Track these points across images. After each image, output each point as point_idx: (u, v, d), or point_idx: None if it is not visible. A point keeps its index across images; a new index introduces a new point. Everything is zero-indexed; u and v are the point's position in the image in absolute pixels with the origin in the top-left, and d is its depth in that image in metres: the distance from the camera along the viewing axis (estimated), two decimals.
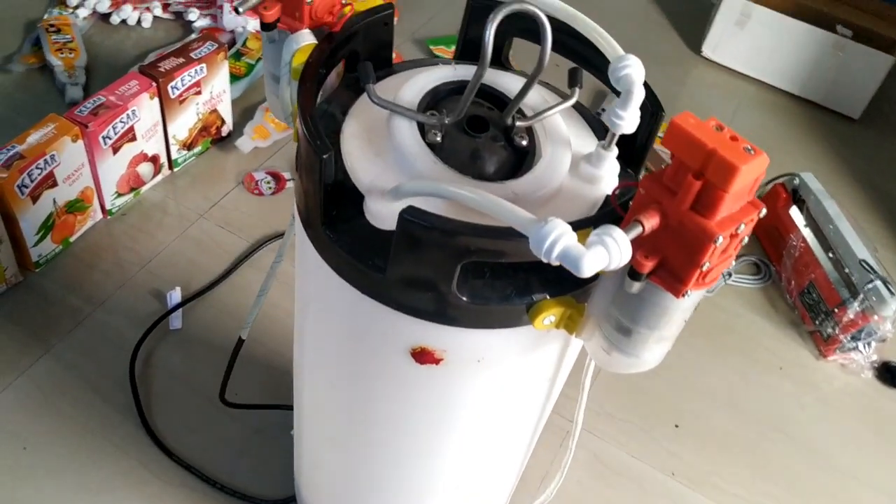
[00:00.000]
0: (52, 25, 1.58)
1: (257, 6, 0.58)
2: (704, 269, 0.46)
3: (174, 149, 1.39)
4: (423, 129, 0.58)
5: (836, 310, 1.32)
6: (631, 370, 0.54)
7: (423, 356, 0.58)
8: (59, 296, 1.23)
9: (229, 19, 1.64)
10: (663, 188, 0.45)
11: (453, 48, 1.67)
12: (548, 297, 0.54)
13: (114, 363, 1.15)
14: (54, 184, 1.19)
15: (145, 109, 1.28)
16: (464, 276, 0.53)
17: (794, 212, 1.45)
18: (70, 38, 1.56)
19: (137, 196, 1.37)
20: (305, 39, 0.59)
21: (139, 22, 1.66)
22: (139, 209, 1.36)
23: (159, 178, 1.40)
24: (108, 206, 1.32)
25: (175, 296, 1.24)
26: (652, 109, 0.60)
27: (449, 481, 0.75)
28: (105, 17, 1.66)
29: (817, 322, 1.36)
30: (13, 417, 1.09)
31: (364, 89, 0.58)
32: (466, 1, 0.69)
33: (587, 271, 0.43)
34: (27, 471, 1.04)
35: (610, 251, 0.43)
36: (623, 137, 0.58)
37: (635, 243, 0.46)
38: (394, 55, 0.67)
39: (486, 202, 0.47)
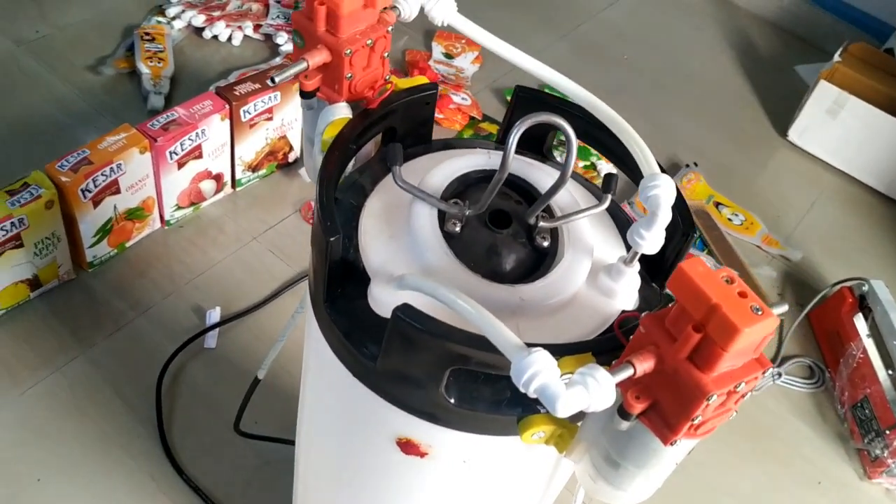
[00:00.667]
0: (147, 34, 1.64)
1: (298, 75, 0.58)
2: (696, 422, 0.43)
3: (239, 169, 1.41)
4: (443, 216, 0.57)
5: (888, 431, 1.25)
6: (615, 502, 0.51)
7: (408, 447, 0.57)
8: (106, 298, 1.26)
9: None
10: (663, 331, 0.43)
11: None
12: (540, 411, 0.52)
13: (144, 373, 1.17)
14: (117, 191, 1.23)
15: (215, 129, 1.31)
16: (455, 376, 0.51)
17: (859, 319, 1.38)
18: (162, 47, 1.62)
19: (197, 210, 1.40)
20: (341, 113, 0.59)
21: (230, 39, 1.71)
22: (196, 223, 1.39)
23: (221, 195, 1.43)
24: (166, 217, 1.36)
25: (214, 315, 1.26)
26: (683, 230, 0.57)
27: None
28: (198, 30, 1.72)
29: (867, 440, 1.28)
30: (39, 413, 1.12)
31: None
32: (514, 89, 0.68)
33: (562, 412, 0.41)
34: (40, 467, 1.07)
35: (591, 394, 0.41)
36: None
37: (628, 382, 0.44)
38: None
39: (478, 318, 0.45)
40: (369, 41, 0.59)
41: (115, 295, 1.27)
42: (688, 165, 1.66)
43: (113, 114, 1.50)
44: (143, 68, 1.57)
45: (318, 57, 0.57)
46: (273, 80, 0.56)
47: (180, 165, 1.30)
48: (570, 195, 0.61)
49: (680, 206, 0.59)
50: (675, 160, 1.69)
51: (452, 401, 0.51)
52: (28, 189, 1.13)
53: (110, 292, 1.27)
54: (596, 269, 0.57)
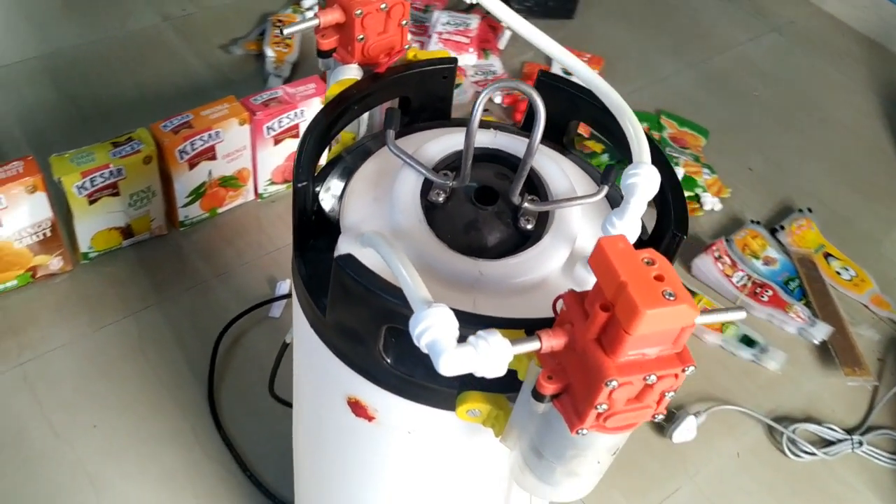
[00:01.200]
0: (280, 21, 1.73)
1: (315, 32, 0.60)
2: (601, 410, 0.40)
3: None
4: (430, 186, 0.57)
5: None
6: (541, 496, 0.49)
7: (357, 408, 0.56)
8: (190, 256, 1.33)
9: (434, 49, 1.70)
10: (581, 310, 0.41)
11: (644, 124, 1.60)
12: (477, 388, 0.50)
13: (208, 331, 1.23)
14: (213, 157, 1.30)
15: (314, 112, 1.36)
16: (397, 339, 0.51)
17: None
18: (290, 34, 1.70)
19: (289, 188, 1.45)
20: (350, 74, 0.60)
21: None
22: (287, 200, 1.45)
23: None
24: (260, 190, 1.42)
25: (283, 287, 1.30)
26: (674, 230, 0.54)
27: None
28: None
29: None
30: (107, 351, 1.20)
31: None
32: (538, 74, 0.66)
33: (444, 370, 0.39)
34: (97, 404, 1.14)
35: (479, 355, 0.39)
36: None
37: (544, 360, 0.42)
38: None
39: (396, 266, 0.44)
40: (384, 6, 0.60)
41: (198, 255, 1.34)
42: (801, 210, 1.56)
43: (232, 90, 1.58)
44: (269, 51, 1.66)
45: (331, 16, 0.59)
46: (281, 32, 0.58)
47: (276, 142, 1.36)
48: (569, 182, 0.59)
49: (678, 206, 0.56)
50: (789, 203, 1.59)
51: (389, 360, 0.50)
52: (131, 143, 1.22)
53: (195, 252, 1.34)
54: (575, 258, 0.55)
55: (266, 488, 1.08)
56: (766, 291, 1.40)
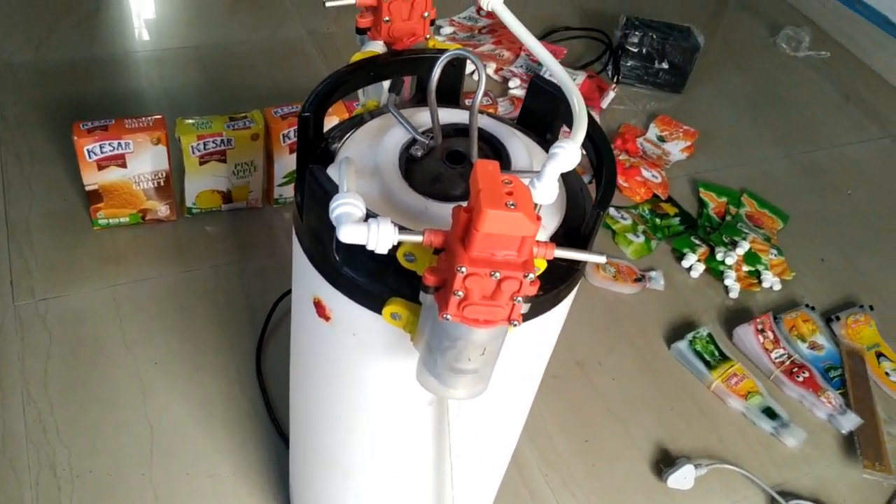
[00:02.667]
0: None
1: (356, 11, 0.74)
2: (458, 296, 0.51)
3: None
4: (413, 143, 0.69)
5: None
6: (438, 394, 0.59)
7: (319, 308, 0.68)
8: (276, 231, 1.51)
9: None
10: (465, 215, 0.52)
11: (723, 199, 1.70)
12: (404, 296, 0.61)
13: (271, 293, 1.39)
14: None
15: None
16: (351, 253, 0.62)
17: None
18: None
19: None
20: (374, 47, 0.74)
21: (472, 73, 1.94)
22: None
23: None
24: None
25: None
26: (597, 206, 0.63)
27: (359, 456, 0.82)
28: None
29: None
30: (186, 292, 1.38)
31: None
32: (532, 77, 0.77)
33: (342, 236, 0.51)
34: (166, 328, 1.32)
35: (370, 233, 0.51)
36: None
37: (438, 262, 0.53)
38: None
39: (342, 172, 0.57)
40: None
41: (283, 232, 1.51)
42: (862, 306, 1.55)
43: (348, 100, 1.79)
44: None
45: None
46: (325, 4, 0.72)
47: None
48: (529, 161, 0.70)
49: (606, 188, 0.65)
50: (852, 298, 1.59)
51: (339, 258, 0.62)
52: (244, 120, 1.42)
53: (281, 228, 1.52)
54: None
55: (283, 432, 1.21)
56: (803, 373, 1.41)
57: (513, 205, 0.47)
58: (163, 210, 1.47)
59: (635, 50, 1.98)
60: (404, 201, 0.64)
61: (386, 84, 0.77)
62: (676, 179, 1.79)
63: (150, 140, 1.36)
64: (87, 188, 1.39)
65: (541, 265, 0.58)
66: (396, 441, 0.76)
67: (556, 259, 0.61)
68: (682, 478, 1.23)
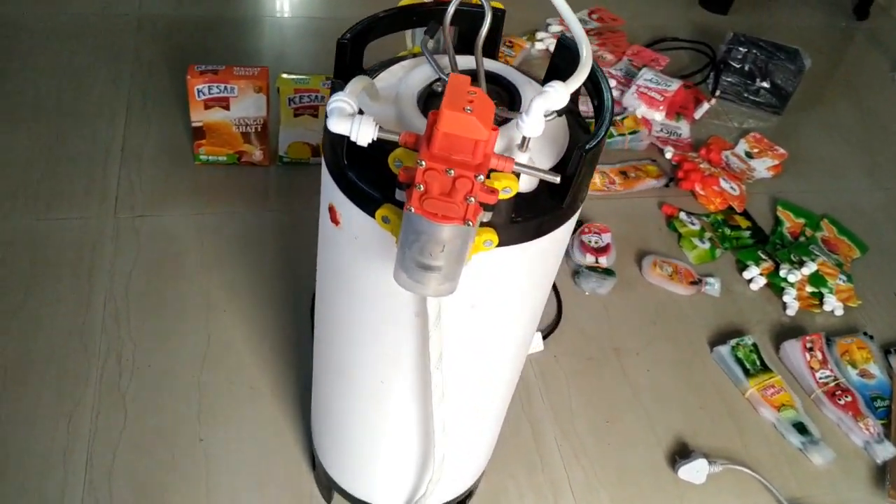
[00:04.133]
0: (510, 42, 2.00)
1: None
2: (419, 189, 0.58)
3: None
4: (438, 81, 0.77)
5: None
6: (403, 286, 0.66)
7: (332, 213, 0.77)
8: None
9: (630, 100, 1.88)
10: (432, 117, 0.59)
11: (801, 220, 1.72)
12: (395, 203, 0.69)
13: None
14: None
15: None
16: (356, 154, 0.71)
17: None
18: (513, 55, 1.97)
19: None
20: None
21: None
22: None
23: None
24: None
25: None
26: (581, 147, 0.69)
27: (355, 360, 0.90)
28: None
29: None
30: (263, 228, 1.51)
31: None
32: (558, 39, 0.83)
33: (330, 125, 0.60)
34: (236, 257, 1.45)
35: (353, 125, 0.59)
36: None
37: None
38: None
39: (351, 82, 0.65)
40: None
41: None
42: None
43: None
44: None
45: None
46: None
47: None
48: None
49: (596, 135, 0.71)
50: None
51: (346, 162, 0.71)
52: None
53: None
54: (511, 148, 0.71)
55: None
56: (846, 396, 1.38)
57: (470, 110, 0.54)
58: (257, 154, 1.61)
59: (738, 66, 1.98)
60: (414, 125, 0.72)
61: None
62: (756, 195, 1.78)
63: (252, 87, 1.50)
64: (193, 124, 1.55)
65: (512, 186, 0.64)
66: (386, 348, 0.83)
67: (541, 192, 0.67)
68: (695, 471, 1.25)
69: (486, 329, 0.82)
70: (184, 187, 1.57)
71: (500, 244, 0.71)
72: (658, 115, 1.86)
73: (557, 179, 0.62)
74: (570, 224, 0.78)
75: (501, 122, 0.73)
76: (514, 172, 0.61)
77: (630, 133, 1.81)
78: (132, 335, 1.32)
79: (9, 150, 1.59)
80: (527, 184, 0.70)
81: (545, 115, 0.74)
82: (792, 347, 1.44)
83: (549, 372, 1.38)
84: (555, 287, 1.51)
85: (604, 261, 1.53)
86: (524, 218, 0.70)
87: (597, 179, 1.71)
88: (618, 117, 1.85)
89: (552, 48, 2.04)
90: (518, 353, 0.91)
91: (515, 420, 1.30)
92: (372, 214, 0.70)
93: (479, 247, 0.69)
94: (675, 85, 1.88)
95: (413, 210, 0.60)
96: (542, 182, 0.71)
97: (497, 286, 0.77)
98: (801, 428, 1.34)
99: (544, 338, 1.41)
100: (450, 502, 1.11)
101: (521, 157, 0.69)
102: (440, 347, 0.78)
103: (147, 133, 1.67)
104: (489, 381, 0.91)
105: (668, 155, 1.80)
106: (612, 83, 1.95)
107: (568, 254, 1.57)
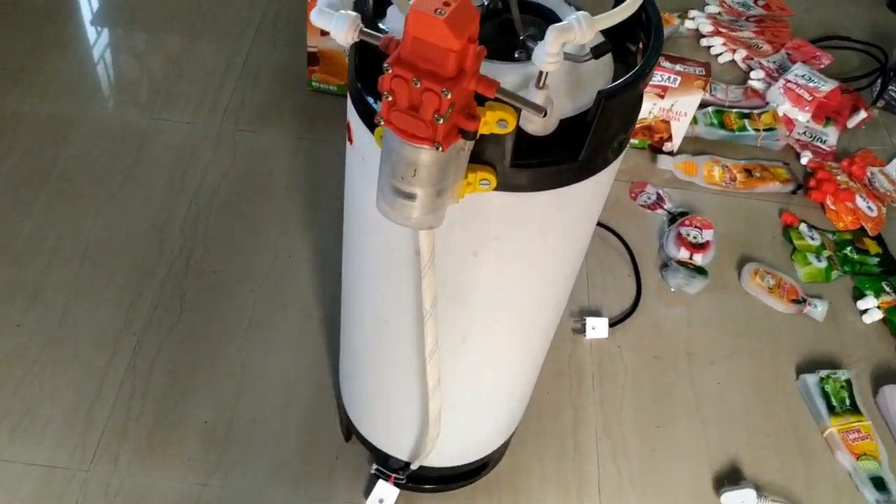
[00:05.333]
0: None
1: None
2: (388, 99, 0.53)
3: None
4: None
5: None
6: (384, 214, 0.62)
7: (348, 131, 0.74)
8: None
9: (774, 95, 1.71)
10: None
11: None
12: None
13: None
14: None
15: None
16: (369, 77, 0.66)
17: None
18: None
19: None
20: None
21: (718, 55, 1.85)
22: None
23: None
24: None
25: None
26: (599, 95, 0.61)
27: (363, 295, 0.87)
28: (700, 35, 1.89)
29: None
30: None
31: None
32: None
33: (312, 17, 0.56)
34: (317, 188, 1.46)
35: (332, 20, 0.55)
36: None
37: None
38: None
39: None
40: None
41: None
42: None
43: None
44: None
45: None
46: None
47: None
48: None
49: (626, 85, 0.63)
50: None
51: (356, 75, 0.67)
52: None
53: None
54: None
55: None
56: None
57: (442, 13, 0.49)
58: None
59: None
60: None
61: None
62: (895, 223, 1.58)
63: None
64: (309, 49, 1.56)
65: (509, 119, 0.57)
66: (389, 282, 0.79)
67: (556, 139, 0.61)
68: (740, 500, 1.13)
69: (492, 283, 0.76)
70: (290, 111, 1.59)
71: (500, 188, 0.65)
72: (802, 116, 1.68)
73: (541, 115, 0.55)
74: (596, 185, 0.70)
75: (526, 55, 0.66)
76: (494, 99, 0.55)
77: (766, 130, 1.65)
78: (206, 240, 1.35)
79: (141, 54, 1.67)
80: (538, 125, 0.63)
81: (579, 55, 0.66)
82: (893, 393, 1.27)
83: (607, 361, 1.29)
84: (637, 275, 1.41)
85: (699, 258, 1.41)
86: (530, 164, 0.64)
87: (716, 173, 1.58)
88: (756, 111, 1.69)
89: (703, 28, 1.90)
90: (533, 320, 0.85)
91: (557, 402, 1.23)
92: (372, 131, 0.66)
93: (474, 186, 0.64)
94: (830, 86, 1.69)
95: (382, 123, 0.55)
96: (560, 129, 0.64)
97: (501, 237, 0.70)
98: (879, 483, 1.18)
99: (612, 325, 1.32)
100: (461, 467, 1.07)
101: (536, 96, 0.62)
102: (433, 292, 0.73)
103: (269, 54, 1.70)
104: (496, 344, 0.85)
105: (804, 160, 1.63)
106: (761, 74, 1.78)
107: (661, 245, 1.45)
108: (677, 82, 1.50)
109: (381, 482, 1.08)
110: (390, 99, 0.53)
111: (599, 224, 1.47)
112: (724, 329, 1.36)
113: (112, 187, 1.41)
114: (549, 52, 0.58)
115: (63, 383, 1.16)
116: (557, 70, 0.63)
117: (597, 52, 0.67)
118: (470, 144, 0.58)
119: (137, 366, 1.19)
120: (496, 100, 0.56)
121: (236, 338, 1.24)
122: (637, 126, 1.58)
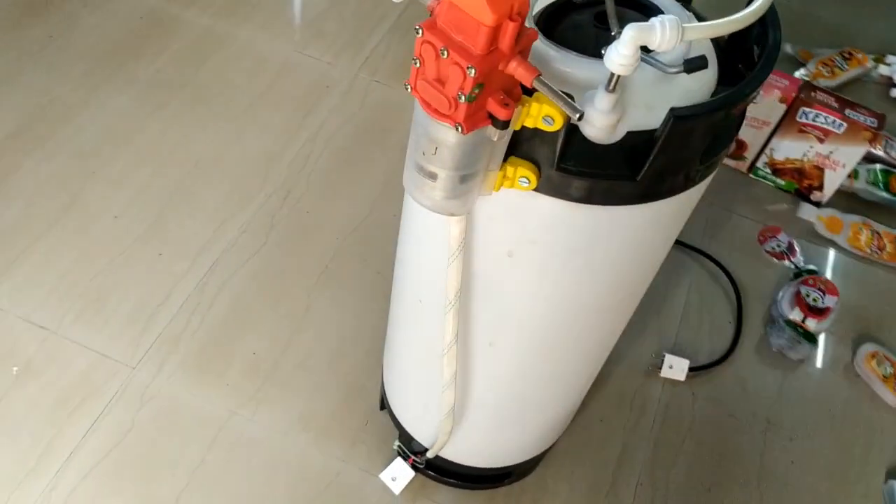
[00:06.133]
0: (847, 54, 1.70)
1: None
2: (416, 65, 0.49)
3: (763, 159, 1.45)
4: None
5: None
6: (408, 190, 0.58)
7: None
8: None
9: None
10: None
11: None
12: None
13: None
14: None
15: (767, 104, 1.37)
16: None
17: None
18: (844, 70, 1.67)
19: None
20: None
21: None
22: None
23: (731, 163, 1.49)
24: None
25: None
26: (671, 112, 0.54)
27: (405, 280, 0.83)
28: (891, 85, 1.70)
29: None
30: None
31: None
32: None
33: None
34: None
35: None
36: None
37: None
38: None
39: None
40: None
41: None
42: None
43: None
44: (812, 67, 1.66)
45: None
46: None
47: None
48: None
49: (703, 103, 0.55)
50: None
51: None
52: None
53: None
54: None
55: None
56: None
57: None
58: None
59: None
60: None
61: None
62: None
63: None
64: None
65: (555, 116, 0.51)
66: (422, 263, 0.75)
67: (616, 150, 0.54)
68: None
69: (524, 289, 0.70)
70: None
71: (542, 189, 0.59)
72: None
73: (577, 116, 0.49)
74: (657, 214, 0.63)
75: None
76: (532, 88, 0.49)
77: None
78: (309, 180, 1.36)
79: None
80: (597, 131, 0.56)
81: (669, 65, 0.59)
82: None
83: (676, 405, 1.19)
84: (738, 323, 1.29)
85: (812, 323, 1.27)
86: (581, 171, 0.57)
87: (863, 237, 1.41)
88: None
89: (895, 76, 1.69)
90: (569, 342, 0.78)
91: (608, 433, 1.15)
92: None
93: (512, 181, 0.58)
94: None
95: (409, 89, 0.50)
96: (631, 143, 0.57)
97: (539, 242, 0.64)
98: None
99: (693, 369, 1.22)
100: (482, 470, 1.02)
101: (602, 99, 0.55)
102: (458, 283, 0.69)
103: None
104: (525, 356, 0.79)
105: None
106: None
107: (775, 299, 1.32)
108: (842, 128, 1.34)
109: (399, 460, 1.05)
110: (418, 65, 0.49)
111: (711, 259, 1.36)
112: (818, 407, 1.22)
113: (237, 110, 1.45)
114: (621, 52, 0.51)
115: (137, 281, 1.20)
116: (640, 77, 0.56)
117: (689, 65, 0.59)
118: (504, 134, 0.52)
119: (209, 283, 1.22)
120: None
121: (308, 281, 1.24)
122: (788, 166, 1.44)
